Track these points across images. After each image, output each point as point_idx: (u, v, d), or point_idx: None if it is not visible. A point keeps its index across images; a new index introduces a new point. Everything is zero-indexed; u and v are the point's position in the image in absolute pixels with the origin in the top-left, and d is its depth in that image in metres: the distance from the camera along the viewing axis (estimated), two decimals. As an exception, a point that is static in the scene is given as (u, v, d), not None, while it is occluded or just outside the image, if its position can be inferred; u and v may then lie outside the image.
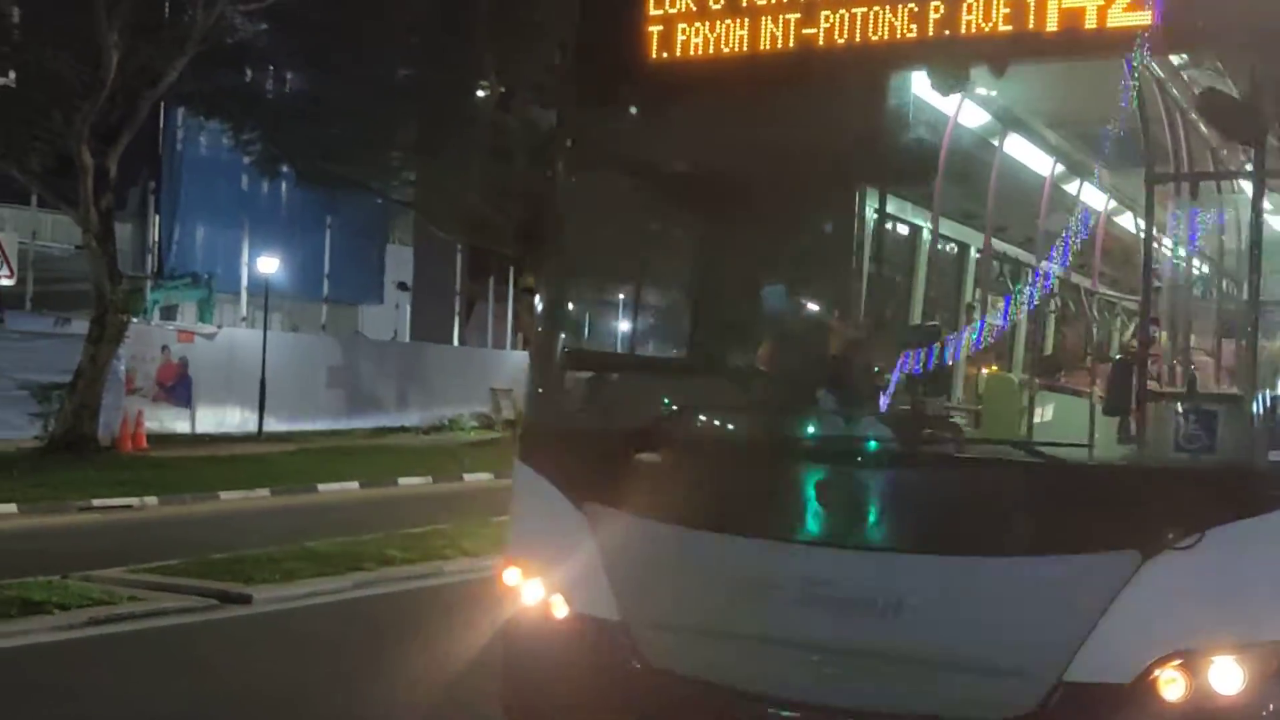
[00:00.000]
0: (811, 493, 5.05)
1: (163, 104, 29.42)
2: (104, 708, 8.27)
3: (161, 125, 34.81)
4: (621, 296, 7.18)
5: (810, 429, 5.67)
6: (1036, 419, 6.87)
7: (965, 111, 6.89)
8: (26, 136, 23.53)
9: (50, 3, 22.78)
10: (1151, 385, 6.27)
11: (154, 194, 37.08)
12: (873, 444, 5.33)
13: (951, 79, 5.44)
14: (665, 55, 5.39)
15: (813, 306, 6.42)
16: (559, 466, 5.51)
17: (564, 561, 5.40)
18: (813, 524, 5.03)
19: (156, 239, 37.37)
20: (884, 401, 5.59)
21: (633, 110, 5.98)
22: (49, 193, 25.92)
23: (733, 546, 5.06)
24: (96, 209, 23.54)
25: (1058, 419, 6.79)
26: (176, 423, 29.04)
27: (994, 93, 6.45)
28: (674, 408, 5.86)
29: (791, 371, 6.35)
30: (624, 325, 6.99)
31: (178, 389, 29.56)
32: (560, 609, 5.43)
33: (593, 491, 5.33)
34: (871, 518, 5.03)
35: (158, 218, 37.31)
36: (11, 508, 17.28)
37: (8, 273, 18.72)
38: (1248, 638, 4.42)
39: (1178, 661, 4.41)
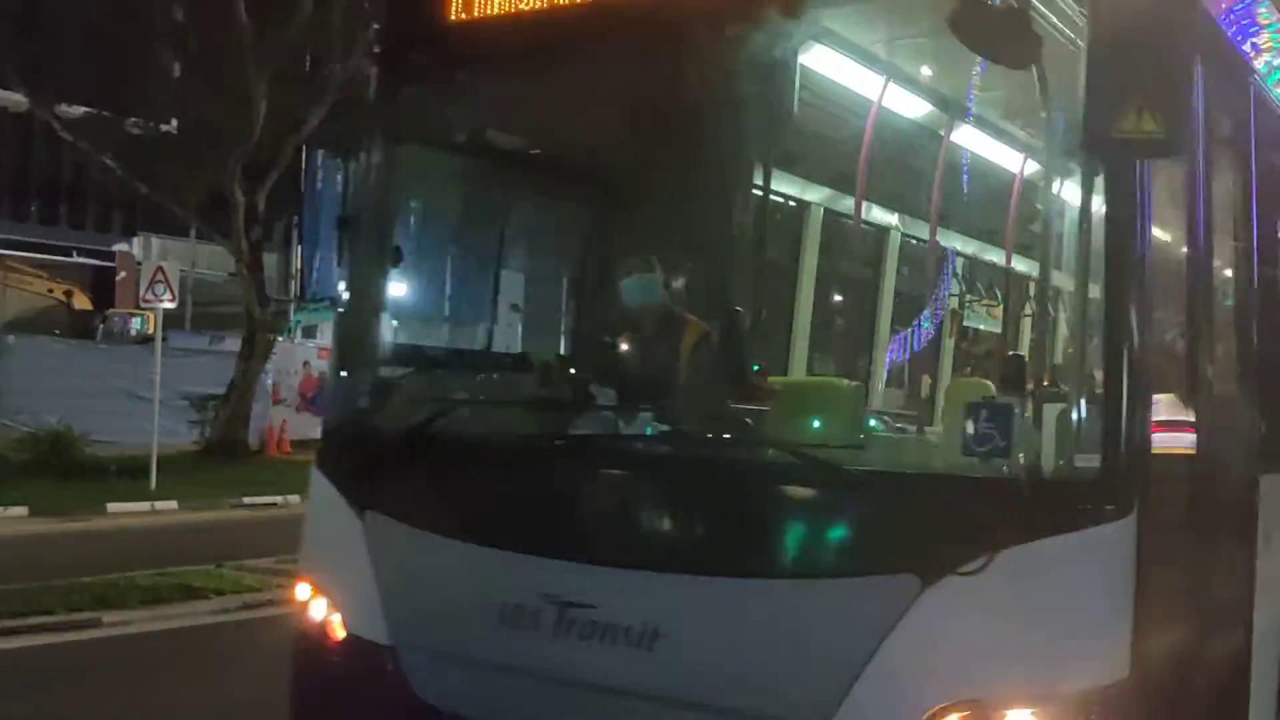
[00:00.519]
0: (562, 500, 4.35)
1: (304, 147, 29.91)
2: (253, 680, 7.92)
3: (303, 166, 35.53)
4: (431, 282, 6.48)
5: (573, 429, 4.96)
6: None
7: (838, 68, 6.11)
8: (185, 177, 24.32)
9: (206, 58, 23.39)
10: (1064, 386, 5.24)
11: (297, 227, 38.55)
12: (628, 446, 4.66)
13: (799, 25, 4.63)
14: (464, 15, 4.80)
15: (610, 295, 5.61)
16: (346, 471, 4.92)
17: (343, 576, 4.80)
18: (566, 535, 4.22)
19: (299, 267, 38.98)
20: (667, 400, 4.95)
21: (441, 76, 5.13)
22: (205, 226, 26.83)
23: (486, 561, 4.34)
24: (247, 240, 24.49)
25: None
26: (316, 430, 28.76)
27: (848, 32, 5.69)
28: (447, 406, 5.07)
29: (578, 366, 5.79)
30: (432, 314, 6.49)
31: (317, 400, 29.38)
32: (339, 630, 4.79)
33: (372, 499, 4.72)
34: (625, 529, 4.28)
35: (300, 248, 38.74)
36: (173, 504, 18.39)
37: (170, 297, 19.78)
38: (1047, 686, 3.50)
39: (963, 714, 3.52)
